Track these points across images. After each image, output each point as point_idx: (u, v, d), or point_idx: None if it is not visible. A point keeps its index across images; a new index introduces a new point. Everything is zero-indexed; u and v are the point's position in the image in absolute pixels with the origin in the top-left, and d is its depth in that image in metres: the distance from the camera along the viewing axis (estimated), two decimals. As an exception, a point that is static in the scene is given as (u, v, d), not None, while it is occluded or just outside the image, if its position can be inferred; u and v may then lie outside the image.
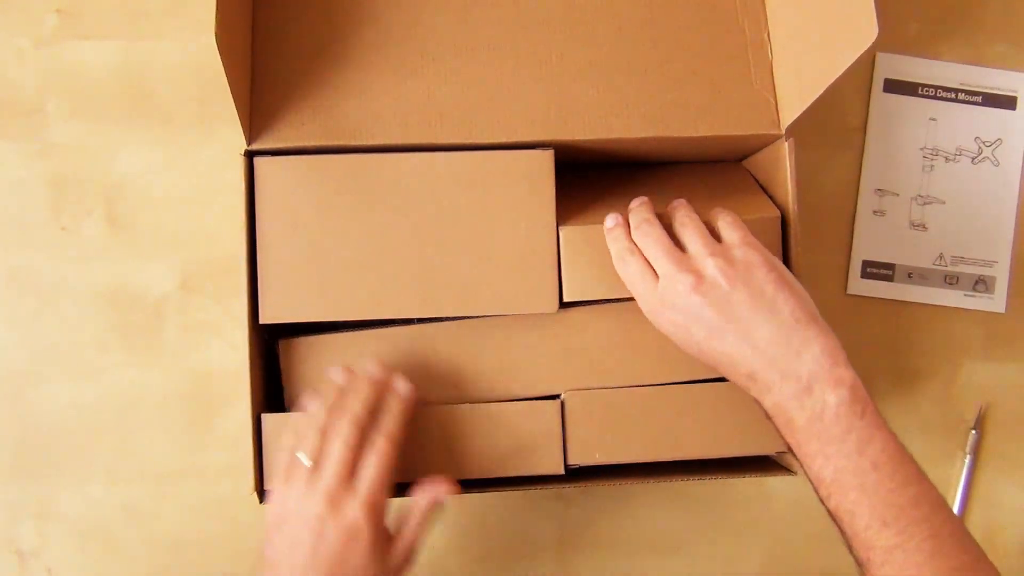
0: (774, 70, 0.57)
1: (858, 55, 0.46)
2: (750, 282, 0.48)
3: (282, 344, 0.56)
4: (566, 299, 0.55)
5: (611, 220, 0.53)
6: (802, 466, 0.47)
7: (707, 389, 0.56)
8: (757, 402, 0.49)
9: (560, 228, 0.54)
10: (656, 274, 0.50)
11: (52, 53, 0.66)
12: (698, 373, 0.55)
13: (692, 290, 0.48)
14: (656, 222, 0.52)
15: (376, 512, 0.47)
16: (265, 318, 0.53)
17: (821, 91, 0.50)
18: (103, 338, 0.65)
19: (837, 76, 0.48)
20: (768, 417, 0.49)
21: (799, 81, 0.54)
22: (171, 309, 0.65)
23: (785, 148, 0.55)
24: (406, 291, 0.54)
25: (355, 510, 0.47)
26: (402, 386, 0.52)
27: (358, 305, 0.54)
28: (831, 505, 0.46)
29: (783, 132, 0.56)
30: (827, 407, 0.45)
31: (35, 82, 0.65)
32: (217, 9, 0.46)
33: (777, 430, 0.48)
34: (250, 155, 0.54)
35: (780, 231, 0.56)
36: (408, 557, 0.49)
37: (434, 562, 0.65)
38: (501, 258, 0.54)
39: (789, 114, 0.55)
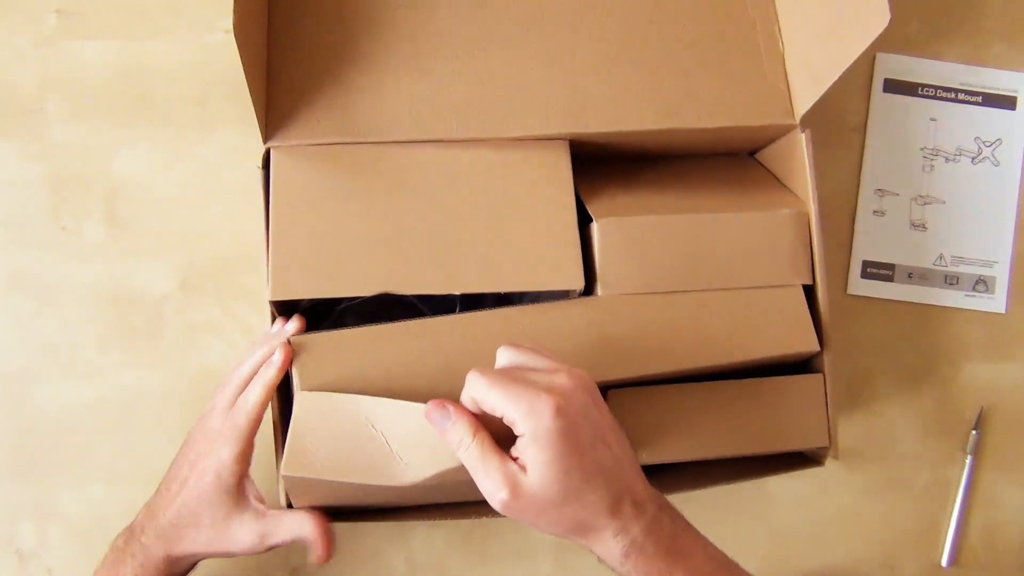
0: (786, 60, 0.57)
1: (871, 41, 0.46)
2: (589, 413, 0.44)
3: (293, 341, 0.54)
4: (601, 294, 0.54)
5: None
6: None
7: (745, 386, 0.55)
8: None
9: (595, 221, 0.53)
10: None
11: (52, 53, 0.66)
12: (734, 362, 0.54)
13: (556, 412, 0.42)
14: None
15: (233, 432, 0.50)
16: (276, 295, 0.52)
17: (835, 79, 0.50)
18: (103, 338, 0.64)
19: (851, 63, 0.48)
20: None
21: (812, 70, 0.54)
22: (171, 309, 0.65)
23: (802, 139, 0.55)
24: (426, 267, 0.52)
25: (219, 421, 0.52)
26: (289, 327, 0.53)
27: (374, 281, 0.52)
28: None
29: (797, 122, 0.56)
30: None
31: (35, 82, 0.65)
32: (235, 2, 0.46)
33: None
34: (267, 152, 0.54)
35: (808, 226, 0.55)
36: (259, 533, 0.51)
37: (434, 562, 0.65)
38: (523, 237, 0.53)
39: (803, 103, 0.55)
